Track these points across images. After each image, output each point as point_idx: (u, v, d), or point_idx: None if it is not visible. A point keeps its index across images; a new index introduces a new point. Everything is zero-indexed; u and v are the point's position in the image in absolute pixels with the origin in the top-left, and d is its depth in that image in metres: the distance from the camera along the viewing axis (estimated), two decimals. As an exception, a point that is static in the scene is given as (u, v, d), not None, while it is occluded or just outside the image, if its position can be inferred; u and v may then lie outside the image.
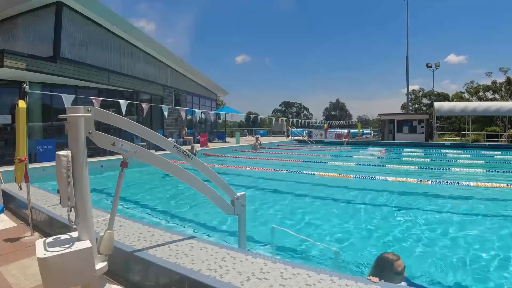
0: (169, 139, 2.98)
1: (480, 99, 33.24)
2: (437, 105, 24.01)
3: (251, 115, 26.15)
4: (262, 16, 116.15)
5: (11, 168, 4.45)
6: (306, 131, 24.82)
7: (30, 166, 4.82)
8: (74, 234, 1.90)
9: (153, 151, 2.49)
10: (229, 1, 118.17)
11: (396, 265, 2.31)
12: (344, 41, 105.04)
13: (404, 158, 12.30)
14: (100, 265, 1.93)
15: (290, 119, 24.59)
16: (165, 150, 2.49)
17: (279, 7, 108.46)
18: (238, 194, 2.79)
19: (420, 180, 6.89)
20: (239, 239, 2.85)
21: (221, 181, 2.73)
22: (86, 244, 1.82)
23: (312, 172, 8.19)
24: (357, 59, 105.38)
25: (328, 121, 33.89)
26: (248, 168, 9.12)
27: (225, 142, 20.78)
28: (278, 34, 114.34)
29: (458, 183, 6.46)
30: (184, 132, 18.00)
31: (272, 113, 69.04)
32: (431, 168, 9.40)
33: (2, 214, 4.48)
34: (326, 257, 3.44)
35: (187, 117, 21.27)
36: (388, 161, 12.19)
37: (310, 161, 11.33)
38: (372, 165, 10.21)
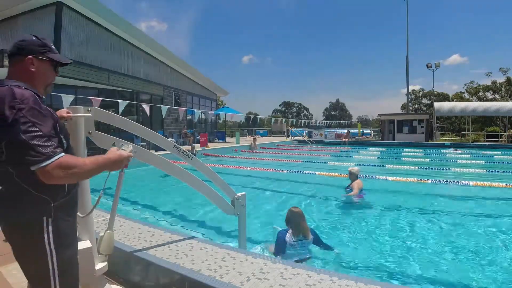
0: (169, 139, 2.98)
1: (480, 99, 33.27)
2: (437, 105, 24.01)
3: (251, 115, 26.18)
4: (263, 16, 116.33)
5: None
6: (306, 131, 24.82)
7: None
8: (74, 234, 1.90)
9: (153, 151, 2.49)
10: (230, 1, 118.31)
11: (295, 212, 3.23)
12: (344, 41, 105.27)
13: (404, 158, 12.30)
14: (100, 265, 1.93)
15: (290, 119, 24.60)
16: (164, 150, 2.49)
17: (281, 7, 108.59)
18: (238, 194, 2.79)
19: (420, 180, 6.90)
20: (239, 239, 2.85)
21: (221, 181, 2.72)
22: (86, 244, 1.82)
23: (313, 172, 8.19)
24: (357, 59, 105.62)
25: (327, 122, 33.92)
26: (248, 168, 9.12)
27: (225, 142, 20.77)
28: (279, 34, 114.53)
29: (458, 182, 6.46)
30: (184, 132, 18.01)
31: (272, 113, 69.09)
32: (432, 168, 9.41)
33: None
34: (326, 257, 3.45)
35: (187, 117, 21.28)
36: (388, 161, 12.19)
37: (310, 161, 11.33)
38: (372, 165, 10.21)
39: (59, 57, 1.39)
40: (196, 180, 2.53)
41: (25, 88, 1.20)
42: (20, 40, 1.30)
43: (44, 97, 1.32)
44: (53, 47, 1.37)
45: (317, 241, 3.29)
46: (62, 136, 1.26)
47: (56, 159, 1.10)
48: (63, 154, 1.13)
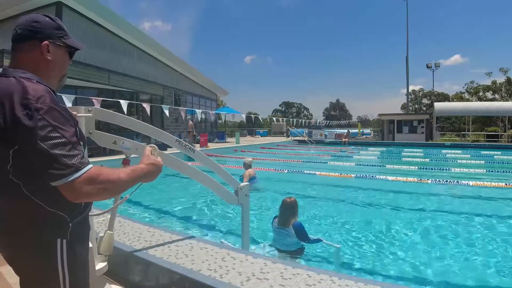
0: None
1: (480, 99, 33.20)
2: (437, 105, 24.00)
3: (251, 115, 26.17)
4: (263, 15, 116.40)
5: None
6: (306, 131, 24.81)
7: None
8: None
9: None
10: (231, 1, 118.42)
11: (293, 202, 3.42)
12: (344, 41, 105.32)
13: (404, 158, 12.30)
14: (100, 265, 1.94)
15: (291, 119, 24.59)
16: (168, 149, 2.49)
17: (281, 6, 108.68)
18: (241, 184, 2.81)
19: (420, 180, 6.90)
20: (242, 229, 2.86)
21: (224, 173, 2.77)
22: (86, 244, 1.82)
23: (313, 172, 8.19)
24: (357, 59, 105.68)
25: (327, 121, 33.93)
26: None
27: (225, 142, 20.79)
28: (279, 34, 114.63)
29: (458, 182, 6.46)
30: (189, 125, 16.66)
31: (272, 113, 69.01)
32: (431, 168, 9.41)
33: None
34: (328, 253, 3.46)
35: (187, 117, 21.28)
36: (388, 161, 12.19)
37: (310, 161, 11.33)
38: (372, 165, 10.21)
39: (76, 42, 1.15)
40: (199, 173, 2.56)
41: (36, 81, 0.97)
42: (33, 21, 1.04)
43: (57, 92, 1.10)
44: (67, 30, 1.14)
45: (300, 237, 3.26)
46: (82, 143, 1.03)
47: (85, 172, 0.90)
48: (91, 165, 0.94)
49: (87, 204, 1.13)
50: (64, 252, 1.01)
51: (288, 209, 3.37)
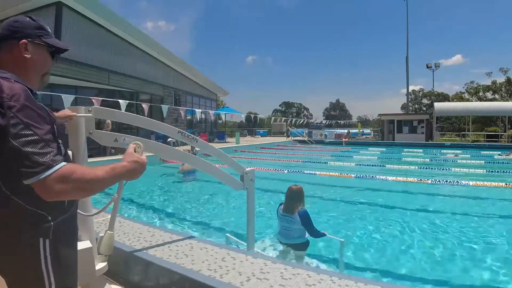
0: (169, 139, 3.01)
1: (480, 99, 33.22)
2: (437, 105, 24.00)
3: (252, 115, 26.18)
4: (264, 16, 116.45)
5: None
6: (306, 131, 24.81)
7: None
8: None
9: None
10: (231, 1, 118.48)
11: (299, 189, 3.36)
12: (344, 41, 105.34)
13: (404, 158, 12.29)
14: (100, 265, 1.94)
15: (292, 119, 24.59)
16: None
17: (281, 6, 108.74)
18: (247, 168, 2.82)
19: (420, 180, 6.90)
20: (248, 214, 2.86)
21: (229, 159, 2.79)
22: (86, 244, 1.82)
23: (313, 172, 8.19)
24: (357, 59, 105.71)
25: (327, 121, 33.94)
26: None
27: (225, 142, 20.78)
28: (279, 34, 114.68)
29: (458, 182, 6.46)
30: (106, 125, 11.42)
31: (272, 113, 68.94)
32: (431, 168, 9.40)
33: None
34: (331, 249, 3.50)
35: (187, 117, 21.27)
36: (388, 161, 12.19)
37: (310, 161, 11.33)
38: (372, 165, 10.21)
39: (57, 41, 1.15)
40: (204, 162, 2.60)
41: (14, 80, 0.97)
42: (13, 21, 1.07)
43: (38, 91, 1.11)
44: (50, 30, 1.16)
45: (305, 224, 3.22)
46: (60, 141, 1.02)
47: (57, 170, 0.89)
48: (65, 163, 0.91)
49: (71, 203, 1.10)
50: (48, 253, 1.00)
51: (294, 196, 3.31)
